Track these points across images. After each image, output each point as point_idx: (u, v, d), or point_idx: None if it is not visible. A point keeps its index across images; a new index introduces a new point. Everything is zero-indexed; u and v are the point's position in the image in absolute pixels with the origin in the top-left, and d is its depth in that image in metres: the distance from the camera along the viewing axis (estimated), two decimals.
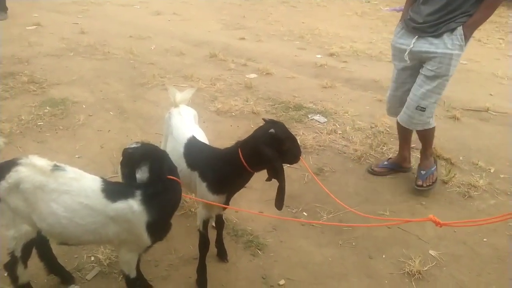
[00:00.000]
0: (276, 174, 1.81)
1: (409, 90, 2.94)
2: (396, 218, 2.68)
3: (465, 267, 2.39)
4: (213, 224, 2.35)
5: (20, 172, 1.65)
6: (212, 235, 2.27)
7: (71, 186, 1.67)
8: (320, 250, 2.48)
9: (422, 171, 3.09)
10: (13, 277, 1.82)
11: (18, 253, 1.76)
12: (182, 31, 7.26)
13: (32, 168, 1.66)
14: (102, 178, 1.77)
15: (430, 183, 3.04)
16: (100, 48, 5.92)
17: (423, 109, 2.80)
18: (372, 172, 3.28)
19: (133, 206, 1.65)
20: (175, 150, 2.07)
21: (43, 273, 2.08)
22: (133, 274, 1.86)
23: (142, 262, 2.26)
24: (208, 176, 1.96)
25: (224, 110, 4.21)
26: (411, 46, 2.76)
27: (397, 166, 3.30)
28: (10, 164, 1.68)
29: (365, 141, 3.74)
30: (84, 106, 4.12)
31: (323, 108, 4.38)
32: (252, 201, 2.87)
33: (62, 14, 7.90)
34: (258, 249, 2.43)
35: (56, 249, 2.07)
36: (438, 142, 3.61)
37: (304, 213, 2.81)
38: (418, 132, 3.07)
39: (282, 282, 2.22)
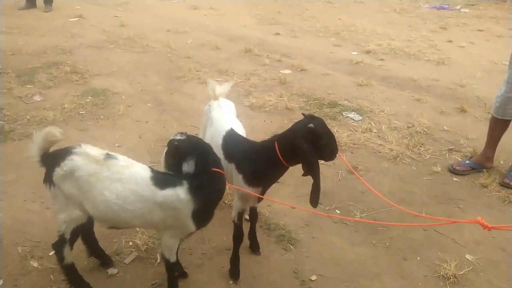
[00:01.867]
0: (312, 170, 1.80)
1: None
2: (443, 218, 2.62)
3: (503, 273, 2.31)
4: (247, 216, 2.38)
5: (75, 161, 1.73)
6: (245, 227, 2.30)
7: (123, 174, 1.74)
8: (352, 248, 2.46)
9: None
10: (60, 257, 1.92)
11: (67, 236, 1.86)
12: (218, 25, 7.33)
13: (86, 156, 1.74)
14: (150, 167, 1.84)
15: None
16: (139, 41, 6.07)
17: None
18: (454, 171, 3.26)
19: (180, 194, 1.71)
20: (214, 142, 2.11)
21: (84, 255, 2.18)
22: (173, 258, 1.92)
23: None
24: (244, 168, 1.98)
25: (258, 105, 4.24)
26: None
27: (480, 166, 3.29)
28: (65, 153, 1.76)
29: (401, 141, 3.67)
30: (123, 97, 4.24)
31: (358, 106, 4.33)
32: (285, 196, 2.88)
33: (103, 7, 8.14)
34: (290, 244, 2.44)
35: (96, 233, 2.16)
36: (478, 145, 3.50)
37: (337, 210, 2.80)
38: None
39: (314, 277, 2.23)
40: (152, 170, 1.81)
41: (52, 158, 1.79)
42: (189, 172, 1.77)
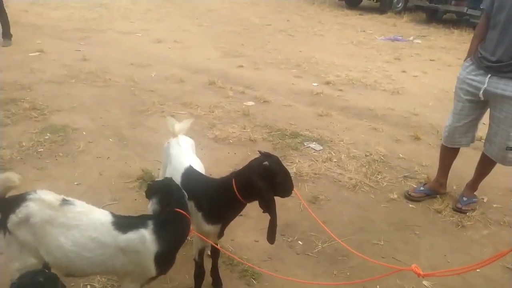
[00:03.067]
0: (267, 206, 1.85)
1: (472, 121, 3.15)
2: (384, 264, 2.69)
3: None
4: (209, 252, 2.38)
5: (30, 207, 1.71)
6: (207, 264, 2.29)
7: (80, 220, 1.73)
8: (315, 280, 2.50)
9: (464, 198, 3.30)
10: None
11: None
12: (182, 58, 7.42)
13: (41, 203, 1.72)
14: (111, 212, 1.85)
15: (469, 209, 3.24)
16: (102, 75, 6.04)
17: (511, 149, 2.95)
18: (410, 198, 3.38)
19: (145, 235, 1.73)
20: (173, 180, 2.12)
21: None
22: None
23: None
24: (203, 205, 2.01)
25: (222, 137, 4.29)
26: (485, 85, 2.90)
27: (434, 191, 3.43)
28: (20, 199, 1.74)
29: (360, 169, 3.80)
30: (84, 133, 4.19)
31: (319, 136, 4.47)
32: (248, 229, 2.90)
33: (64, 41, 8.07)
34: (253, 279, 2.45)
35: None
36: (432, 171, 3.68)
37: (300, 242, 2.84)
38: (484, 165, 3.26)
39: None
40: (113, 215, 1.81)
41: (7, 205, 1.77)
42: (155, 212, 1.79)
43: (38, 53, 7.03)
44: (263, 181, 1.81)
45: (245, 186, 1.87)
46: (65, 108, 4.78)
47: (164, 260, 1.82)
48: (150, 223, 1.76)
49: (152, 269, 1.78)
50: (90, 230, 1.71)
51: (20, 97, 4.95)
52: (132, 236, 1.72)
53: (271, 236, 1.87)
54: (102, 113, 4.72)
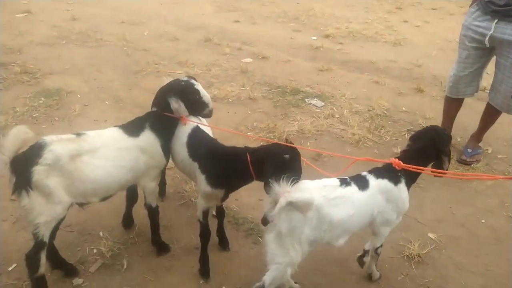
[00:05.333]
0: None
1: (477, 70, 3.06)
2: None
3: (463, 249, 2.42)
4: (214, 213, 2.36)
5: (55, 150, 1.74)
6: (213, 224, 2.28)
7: (101, 141, 1.91)
8: None
9: (468, 149, 3.26)
10: (35, 266, 1.83)
11: (46, 238, 1.81)
12: (175, 15, 7.14)
13: (61, 142, 1.78)
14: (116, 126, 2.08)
15: (474, 161, 3.21)
16: (93, 35, 5.82)
17: None
18: None
19: (151, 135, 2.04)
20: (177, 139, 2.08)
21: (47, 269, 2.09)
22: (155, 203, 2.20)
23: (144, 253, 2.29)
24: (208, 169, 1.96)
25: (220, 97, 4.18)
26: (491, 31, 2.78)
27: None
28: (37, 149, 1.74)
29: (363, 124, 3.74)
30: (79, 96, 4.07)
31: (320, 92, 4.36)
32: (252, 189, 2.85)
33: (52, 0, 7.73)
34: (259, 237, 2.45)
35: (58, 242, 2.08)
36: (435, 124, 3.60)
37: None
38: (489, 115, 3.19)
39: None
40: (120, 126, 2.04)
41: (22, 162, 1.72)
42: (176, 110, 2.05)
43: (25, 14, 6.74)
44: (277, 172, 1.72)
45: (259, 166, 1.82)
46: (58, 71, 4.63)
47: (167, 151, 2.12)
48: (147, 125, 2.04)
49: (162, 158, 2.09)
50: (113, 144, 1.93)
51: (10, 61, 4.78)
52: (145, 136, 2.02)
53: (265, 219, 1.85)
54: (95, 75, 4.58)
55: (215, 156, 1.97)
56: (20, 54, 5.04)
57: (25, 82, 4.28)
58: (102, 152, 1.86)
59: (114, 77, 4.55)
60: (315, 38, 6.17)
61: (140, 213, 2.50)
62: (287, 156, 1.80)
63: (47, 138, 1.78)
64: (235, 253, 2.34)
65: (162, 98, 2.08)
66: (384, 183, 1.85)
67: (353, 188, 1.83)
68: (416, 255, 2.32)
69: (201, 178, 1.95)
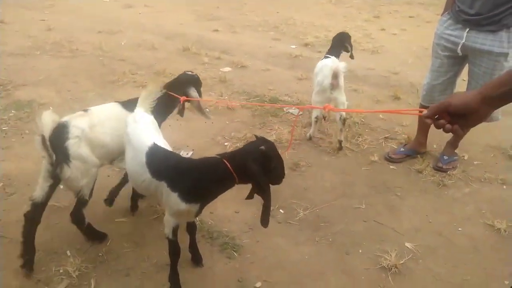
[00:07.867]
0: (262, 191, 1.79)
1: (451, 78, 3.06)
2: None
3: (441, 258, 2.39)
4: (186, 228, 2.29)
5: (77, 125, 2.07)
6: (185, 239, 2.21)
7: (105, 115, 2.23)
8: (297, 248, 2.45)
9: (445, 156, 3.27)
10: (82, 220, 2.22)
11: (87, 197, 2.16)
12: (154, 23, 7.08)
13: (76, 118, 2.11)
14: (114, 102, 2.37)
15: (450, 168, 3.22)
16: (67, 45, 5.71)
17: None
18: (390, 159, 3.35)
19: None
20: (136, 160, 1.97)
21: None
22: None
23: (113, 271, 2.20)
24: (180, 185, 1.88)
25: None
26: (463, 40, 2.80)
27: (414, 152, 3.40)
28: (62, 127, 2.03)
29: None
30: (51, 108, 3.95)
31: (298, 100, 4.34)
32: (228, 200, 2.81)
33: (27, 10, 7.59)
34: (234, 251, 2.38)
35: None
36: (412, 131, 3.62)
37: (281, 210, 2.77)
38: None
39: (258, 284, 2.18)
40: (118, 102, 2.35)
41: (55, 141, 2.00)
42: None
43: None
44: (258, 165, 1.73)
45: (239, 169, 1.78)
46: (31, 82, 4.51)
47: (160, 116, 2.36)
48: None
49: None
50: (115, 114, 2.25)
51: None
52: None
53: (265, 220, 1.82)
54: (69, 85, 4.47)
55: (185, 171, 1.89)
56: None
57: None
58: (107, 124, 2.19)
59: (89, 88, 4.45)
60: (294, 46, 6.18)
61: (110, 228, 2.42)
62: (263, 147, 1.79)
63: (66, 118, 2.10)
64: (209, 269, 2.27)
65: (183, 87, 2.52)
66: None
67: None
68: (393, 266, 2.29)
69: (173, 196, 1.87)
